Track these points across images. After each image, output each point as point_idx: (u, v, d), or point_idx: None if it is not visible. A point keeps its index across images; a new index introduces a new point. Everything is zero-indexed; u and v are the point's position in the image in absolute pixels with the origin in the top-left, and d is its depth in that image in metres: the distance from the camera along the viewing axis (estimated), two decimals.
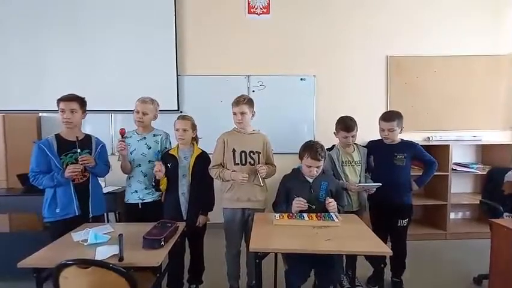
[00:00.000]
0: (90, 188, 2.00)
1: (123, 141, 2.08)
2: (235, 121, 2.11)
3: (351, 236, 1.65)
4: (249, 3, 3.49)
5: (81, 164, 1.91)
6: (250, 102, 2.09)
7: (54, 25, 3.38)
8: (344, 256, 2.02)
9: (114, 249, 1.44)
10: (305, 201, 1.84)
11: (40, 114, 3.43)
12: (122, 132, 2.11)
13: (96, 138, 2.11)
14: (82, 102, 2.00)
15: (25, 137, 3.17)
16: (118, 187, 2.73)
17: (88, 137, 2.06)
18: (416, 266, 2.58)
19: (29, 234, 2.40)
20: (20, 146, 3.04)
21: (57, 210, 1.91)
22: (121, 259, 1.39)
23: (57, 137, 1.96)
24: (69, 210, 1.92)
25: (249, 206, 2.09)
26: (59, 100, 1.94)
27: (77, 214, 1.93)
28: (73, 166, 1.88)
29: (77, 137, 1.94)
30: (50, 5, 3.36)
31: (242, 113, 2.05)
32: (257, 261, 1.56)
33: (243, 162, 2.07)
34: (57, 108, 1.94)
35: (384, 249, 1.54)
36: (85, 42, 3.39)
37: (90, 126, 3.24)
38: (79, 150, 1.93)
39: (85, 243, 1.57)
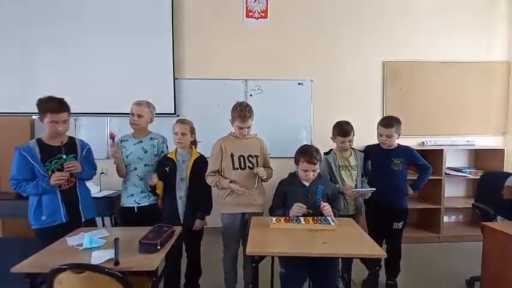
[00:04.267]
0: (78, 192, 1.92)
1: (114, 145, 2.06)
2: (237, 133, 2.09)
3: (347, 240, 1.67)
4: (247, 7, 3.50)
5: (67, 171, 1.81)
6: (252, 113, 2.06)
7: (50, 26, 3.34)
8: (340, 259, 2.03)
9: (110, 254, 1.43)
10: (305, 206, 1.85)
11: (33, 116, 3.36)
12: (113, 136, 2.08)
13: (80, 140, 2.00)
14: (69, 109, 1.88)
15: (18, 140, 3.06)
16: (114, 191, 2.71)
17: (72, 140, 1.94)
18: (410, 269, 2.60)
19: (22, 240, 2.35)
20: (12, 150, 2.97)
21: (44, 218, 1.82)
22: (116, 263, 1.37)
23: (39, 142, 1.84)
24: (56, 218, 1.83)
25: (250, 210, 2.08)
26: (46, 112, 1.79)
27: (64, 221, 1.84)
28: (59, 173, 1.78)
29: (61, 142, 1.84)
30: (46, 6, 3.32)
31: (248, 127, 2.07)
32: (254, 264, 1.56)
33: (242, 166, 2.07)
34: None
35: (379, 251, 1.56)
36: (80, 44, 3.35)
37: (85, 129, 3.23)
38: (64, 156, 1.83)
39: (80, 248, 1.55)
